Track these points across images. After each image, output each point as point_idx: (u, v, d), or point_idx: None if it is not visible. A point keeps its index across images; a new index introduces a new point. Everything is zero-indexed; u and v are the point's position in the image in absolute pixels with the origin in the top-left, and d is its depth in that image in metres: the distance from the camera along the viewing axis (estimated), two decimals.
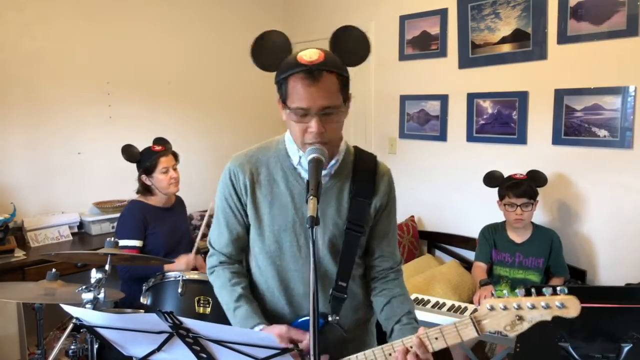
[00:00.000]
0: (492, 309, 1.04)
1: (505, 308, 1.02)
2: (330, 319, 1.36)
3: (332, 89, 1.24)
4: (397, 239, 1.52)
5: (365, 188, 1.40)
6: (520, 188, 2.61)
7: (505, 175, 2.77)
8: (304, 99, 1.23)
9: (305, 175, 1.36)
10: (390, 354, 1.16)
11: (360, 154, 1.46)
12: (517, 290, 1.05)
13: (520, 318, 1.02)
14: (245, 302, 1.39)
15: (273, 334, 1.18)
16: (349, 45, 1.30)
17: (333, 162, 1.38)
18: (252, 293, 1.46)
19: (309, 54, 1.25)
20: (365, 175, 1.41)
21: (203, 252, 3.00)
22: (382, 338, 1.41)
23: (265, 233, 1.40)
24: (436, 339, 1.11)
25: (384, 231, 1.45)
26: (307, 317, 1.37)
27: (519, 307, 1.01)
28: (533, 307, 1.00)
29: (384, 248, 1.45)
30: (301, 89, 1.24)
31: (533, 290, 1.03)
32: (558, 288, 1.00)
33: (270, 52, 1.32)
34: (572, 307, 0.98)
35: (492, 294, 2.47)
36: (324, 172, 1.35)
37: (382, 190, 1.42)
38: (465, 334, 1.08)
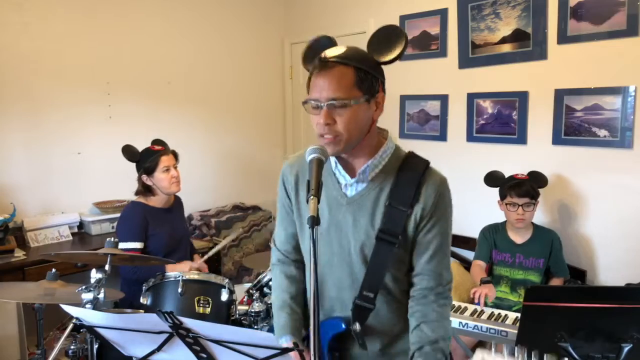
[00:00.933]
0: None
1: None
2: (351, 326, 1.34)
3: (343, 81, 1.21)
4: (447, 258, 1.36)
5: (406, 195, 1.29)
6: (523, 188, 2.61)
7: (506, 175, 2.77)
8: (315, 90, 1.25)
9: (342, 180, 1.35)
10: None
11: (411, 159, 1.36)
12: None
13: None
14: (288, 312, 1.42)
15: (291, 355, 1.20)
16: (384, 42, 1.27)
17: (369, 165, 1.31)
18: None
19: (332, 49, 1.27)
20: (408, 182, 1.30)
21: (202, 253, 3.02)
22: None
23: (304, 236, 1.42)
24: None
25: (426, 246, 1.32)
26: (333, 318, 1.39)
27: None
28: None
29: (424, 265, 1.33)
30: (313, 81, 1.26)
31: (534, 354, 0.99)
32: None
33: (315, 52, 1.32)
34: None
35: (491, 283, 2.47)
36: (357, 178, 1.32)
37: (427, 198, 1.29)
38: None
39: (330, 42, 1.33)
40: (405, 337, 1.40)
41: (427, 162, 1.35)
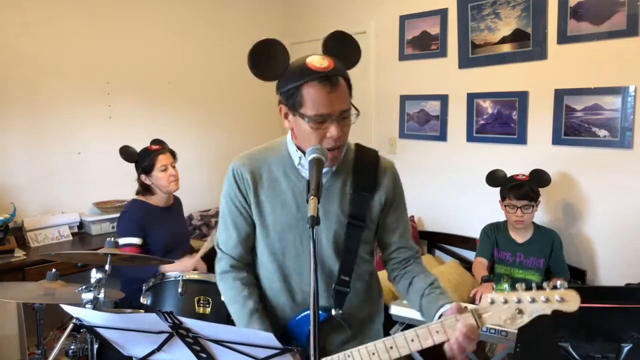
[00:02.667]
0: (492, 302, 1.05)
1: (505, 302, 1.03)
2: (333, 312, 1.37)
3: (346, 92, 1.29)
4: (411, 231, 1.53)
5: (367, 182, 1.41)
6: (521, 190, 2.61)
7: (508, 174, 2.77)
8: (325, 105, 1.25)
9: (306, 174, 1.38)
10: (391, 347, 1.15)
11: (361, 150, 1.47)
12: (517, 285, 1.05)
13: (521, 312, 1.03)
14: (258, 318, 1.38)
15: None
16: (344, 50, 1.35)
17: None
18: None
19: (319, 61, 1.26)
20: (366, 170, 1.42)
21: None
22: None
23: (269, 232, 1.42)
24: (437, 332, 1.11)
25: (395, 224, 1.46)
26: (307, 312, 1.37)
27: (519, 301, 1.02)
28: (533, 300, 1.01)
29: (398, 241, 1.47)
30: (321, 96, 1.24)
31: (533, 284, 1.04)
32: (558, 282, 1.01)
33: (270, 61, 1.31)
34: (571, 301, 0.99)
35: (493, 288, 2.47)
36: (325, 170, 1.35)
37: (386, 184, 1.43)
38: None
39: (279, 46, 1.31)
40: (375, 320, 1.52)
41: (375, 151, 1.49)
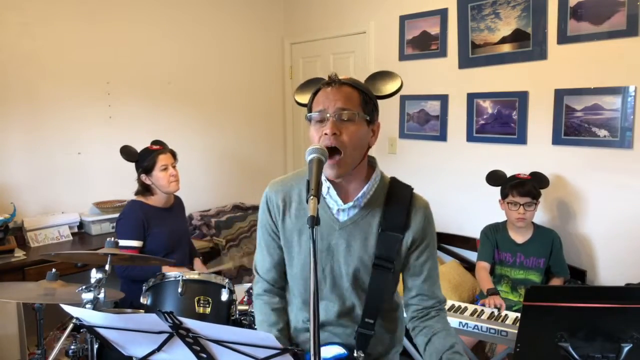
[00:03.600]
0: None
1: None
2: (355, 354, 1.36)
3: (350, 97, 1.29)
4: (438, 278, 1.44)
5: (397, 221, 1.34)
6: (525, 187, 2.62)
7: (508, 175, 2.77)
8: (322, 101, 1.28)
9: (332, 205, 1.36)
10: None
11: (396, 186, 1.41)
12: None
13: None
14: None
15: None
16: (381, 79, 1.40)
17: (364, 192, 1.35)
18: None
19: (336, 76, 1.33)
20: (398, 208, 1.35)
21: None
22: None
23: (293, 260, 1.41)
24: None
25: (420, 269, 1.39)
26: (332, 343, 1.38)
27: None
28: None
29: (421, 286, 1.39)
30: (322, 94, 1.29)
31: None
32: None
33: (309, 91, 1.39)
34: None
35: (499, 294, 2.47)
36: (353, 203, 1.35)
37: (417, 224, 1.36)
38: None
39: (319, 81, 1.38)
40: (392, 350, 1.49)
41: (411, 188, 1.41)
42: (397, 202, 1.36)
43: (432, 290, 1.40)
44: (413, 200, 1.38)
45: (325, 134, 1.25)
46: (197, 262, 2.92)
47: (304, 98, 1.38)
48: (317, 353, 1.05)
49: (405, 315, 1.49)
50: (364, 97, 1.31)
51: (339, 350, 1.37)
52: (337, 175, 1.29)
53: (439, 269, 1.45)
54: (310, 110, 1.32)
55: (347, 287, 1.37)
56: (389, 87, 1.38)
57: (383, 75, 1.40)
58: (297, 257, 1.40)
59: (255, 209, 4.25)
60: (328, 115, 1.26)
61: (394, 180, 1.42)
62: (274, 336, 1.07)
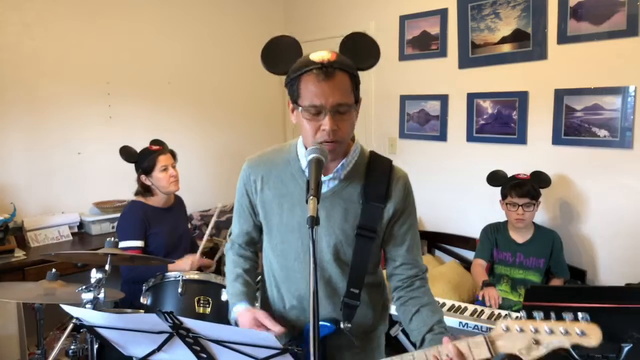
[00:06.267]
0: (507, 329, 1.00)
1: (521, 330, 0.98)
2: (342, 325, 1.36)
3: (345, 87, 1.25)
4: (419, 246, 1.47)
5: (379, 192, 1.36)
6: (523, 188, 2.62)
7: (508, 175, 2.77)
8: (318, 95, 1.23)
9: None
10: None
11: (375, 158, 1.43)
12: (534, 312, 1.01)
13: (537, 342, 0.97)
14: (241, 282, 1.47)
15: (246, 319, 1.30)
16: (360, 50, 1.32)
17: (343, 164, 1.35)
18: (262, 287, 1.54)
19: (321, 54, 1.26)
20: (379, 179, 1.37)
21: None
22: (391, 351, 1.38)
23: (273, 232, 1.43)
24: (447, 355, 1.08)
25: (402, 238, 1.41)
26: (321, 322, 1.37)
27: (536, 331, 0.97)
28: (551, 332, 0.95)
29: (405, 255, 1.41)
30: (314, 86, 1.23)
31: (552, 314, 0.98)
32: (580, 315, 0.96)
33: (281, 55, 1.34)
34: (593, 336, 0.93)
35: (494, 286, 2.47)
36: (332, 175, 1.35)
37: (397, 194, 1.38)
38: (477, 354, 1.03)
39: (292, 41, 1.34)
40: (379, 328, 1.51)
41: (390, 160, 1.44)
42: (378, 174, 1.38)
43: (415, 259, 1.43)
44: (393, 171, 1.40)
45: (324, 130, 1.24)
46: (202, 258, 2.87)
47: (279, 68, 1.34)
48: (317, 352, 1.05)
49: (389, 283, 1.50)
50: (354, 80, 1.28)
51: (324, 324, 1.37)
52: (331, 160, 1.30)
53: (419, 238, 1.48)
54: (297, 95, 1.27)
55: (328, 259, 1.37)
56: (370, 61, 1.33)
57: (361, 43, 1.33)
58: (277, 228, 1.42)
59: None
60: (326, 110, 1.23)
61: (373, 153, 1.44)
62: (271, 336, 1.07)
